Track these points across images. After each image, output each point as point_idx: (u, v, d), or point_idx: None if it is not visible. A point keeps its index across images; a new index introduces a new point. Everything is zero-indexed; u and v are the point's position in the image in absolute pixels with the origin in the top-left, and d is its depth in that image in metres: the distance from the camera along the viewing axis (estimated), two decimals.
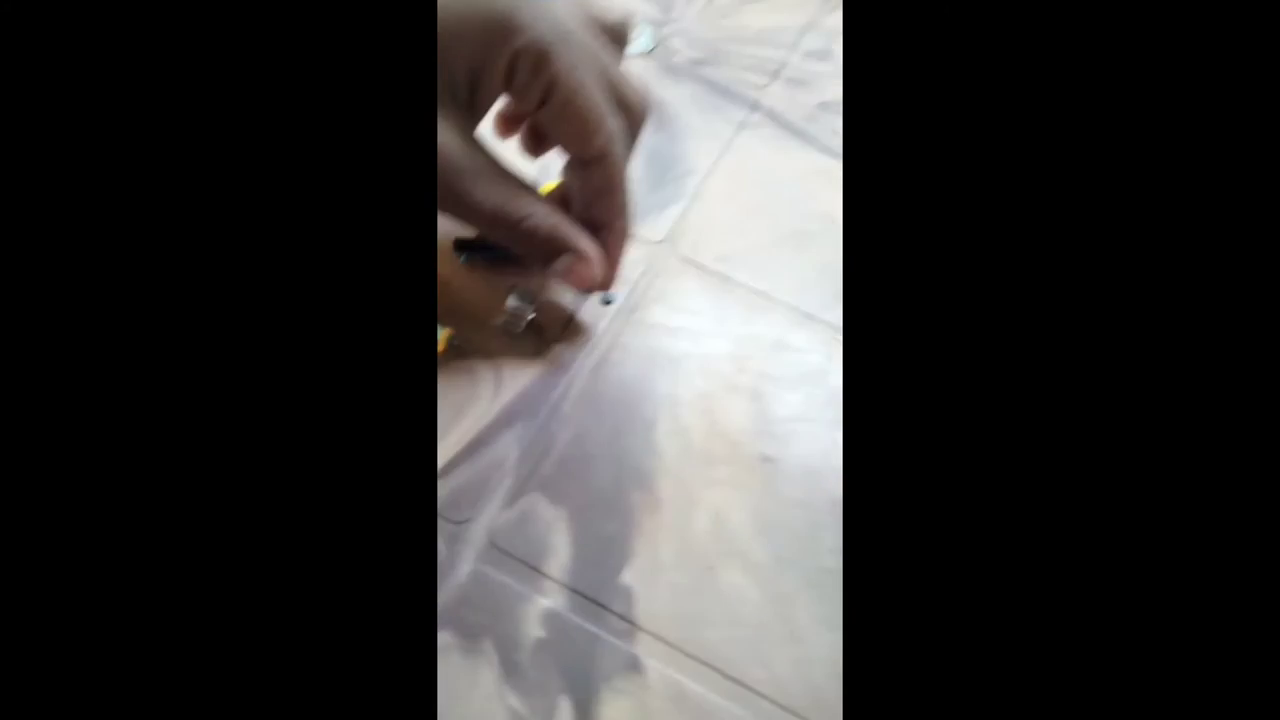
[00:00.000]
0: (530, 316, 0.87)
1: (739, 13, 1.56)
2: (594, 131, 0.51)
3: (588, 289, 0.82)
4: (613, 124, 0.53)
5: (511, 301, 0.89)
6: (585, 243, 0.68)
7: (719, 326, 0.96)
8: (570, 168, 0.72)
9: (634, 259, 1.03)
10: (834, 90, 1.45)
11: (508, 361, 0.88)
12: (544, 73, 0.47)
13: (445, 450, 0.78)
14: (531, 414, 0.82)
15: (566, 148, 0.57)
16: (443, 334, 0.87)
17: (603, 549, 0.73)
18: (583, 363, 0.88)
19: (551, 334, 0.90)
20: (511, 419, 0.82)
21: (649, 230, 1.08)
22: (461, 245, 0.95)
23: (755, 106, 1.35)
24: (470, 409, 0.83)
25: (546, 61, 0.47)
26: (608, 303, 0.95)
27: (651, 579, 0.71)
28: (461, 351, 0.86)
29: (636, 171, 1.13)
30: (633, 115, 0.56)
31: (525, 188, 0.58)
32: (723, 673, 0.66)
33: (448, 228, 0.92)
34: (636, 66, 1.37)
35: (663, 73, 1.39)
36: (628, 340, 0.94)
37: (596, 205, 0.72)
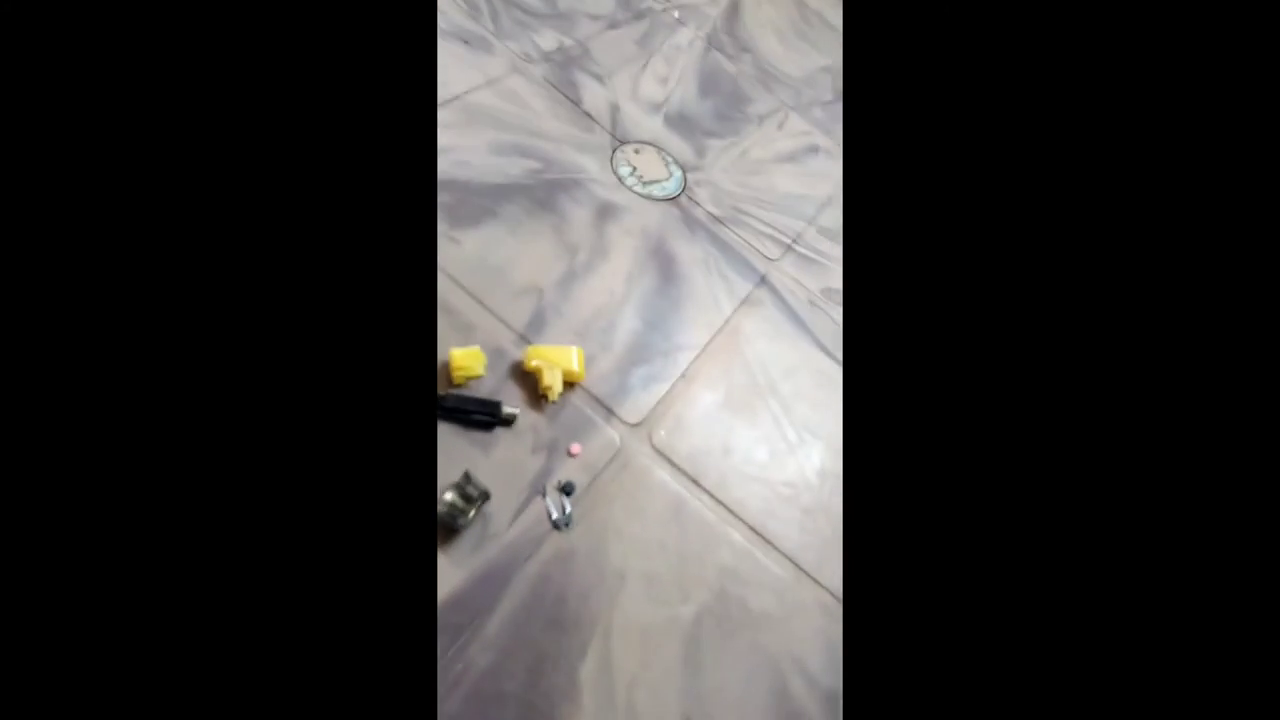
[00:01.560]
0: (471, 514, 0.81)
1: (769, 172, 1.55)
2: None
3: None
4: None
5: (449, 496, 0.82)
6: None
7: (675, 543, 0.91)
8: None
9: (605, 442, 0.98)
10: (839, 277, 1.44)
11: (443, 558, 0.80)
12: None
13: None
14: (455, 629, 0.75)
15: None
16: None
17: None
18: (523, 570, 0.82)
19: (496, 528, 0.84)
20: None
21: (628, 410, 1.04)
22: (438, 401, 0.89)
23: (762, 281, 1.33)
24: None
25: None
26: (567, 492, 0.90)
27: None
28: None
29: (628, 338, 1.09)
30: None
31: None
32: None
33: None
34: (659, 211, 1.35)
35: (682, 223, 1.36)
36: (575, 545, 0.87)
37: None
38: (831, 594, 0.92)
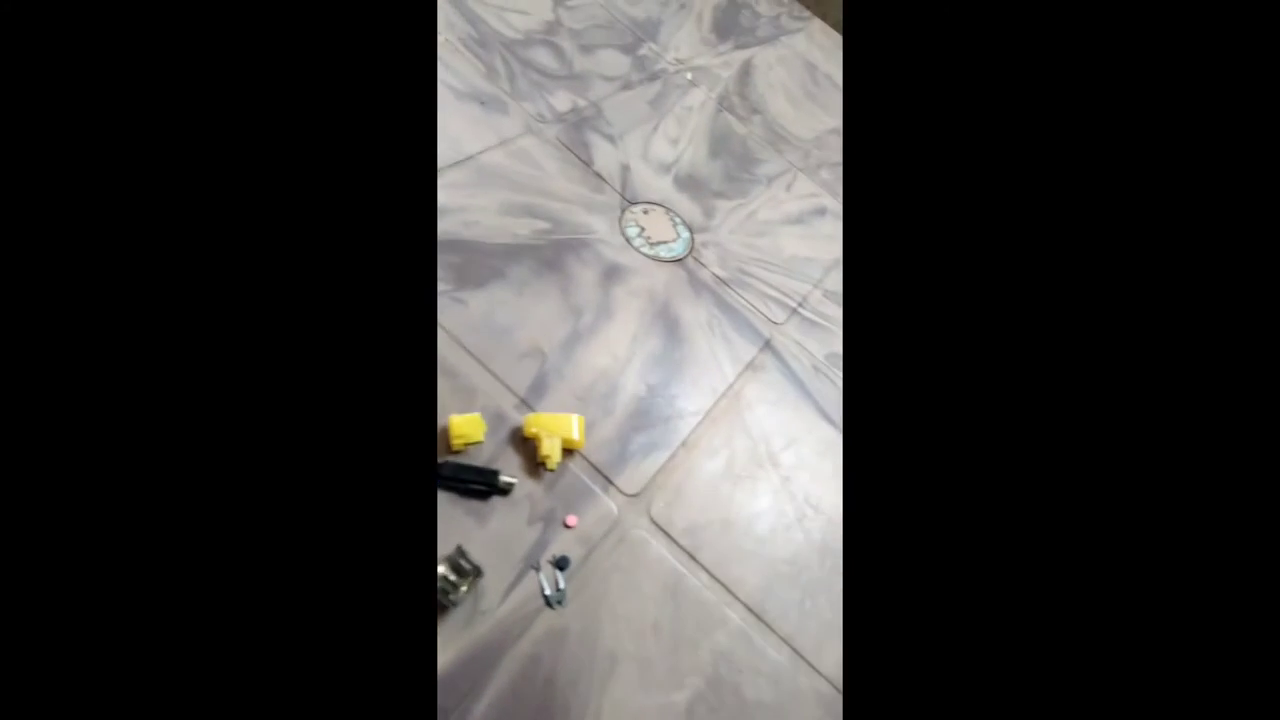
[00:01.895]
0: (463, 590, 0.79)
1: (776, 233, 1.56)
2: None
3: None
4: None
5: (441, 569, 0.79)
6: None
7: (670, 623, 0.89)
8: None
9: (603, 513, 0.97)
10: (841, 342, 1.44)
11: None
12: None
13: None
14: (441, 713, 0.73)
15: None
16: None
17: None
18: (514, 650, 0.80)
19: (488, 604, 0.82)
20: None
21: (626, 479, 1.03)
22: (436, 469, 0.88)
23: (766, 346, 1.33)
24: None
25: None
26: (561, 567, 0.88)
27: None
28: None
29: (630, 403, 1.08)
30: None
31: None
32: None
33: None
34: (666, 273, 1.35)
35: (688, 285, 1.36)
36: (568, 624, 0.84)
37: None
38: (830, 683, 0.89)
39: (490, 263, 1.16)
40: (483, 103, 1.42)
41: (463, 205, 1.22)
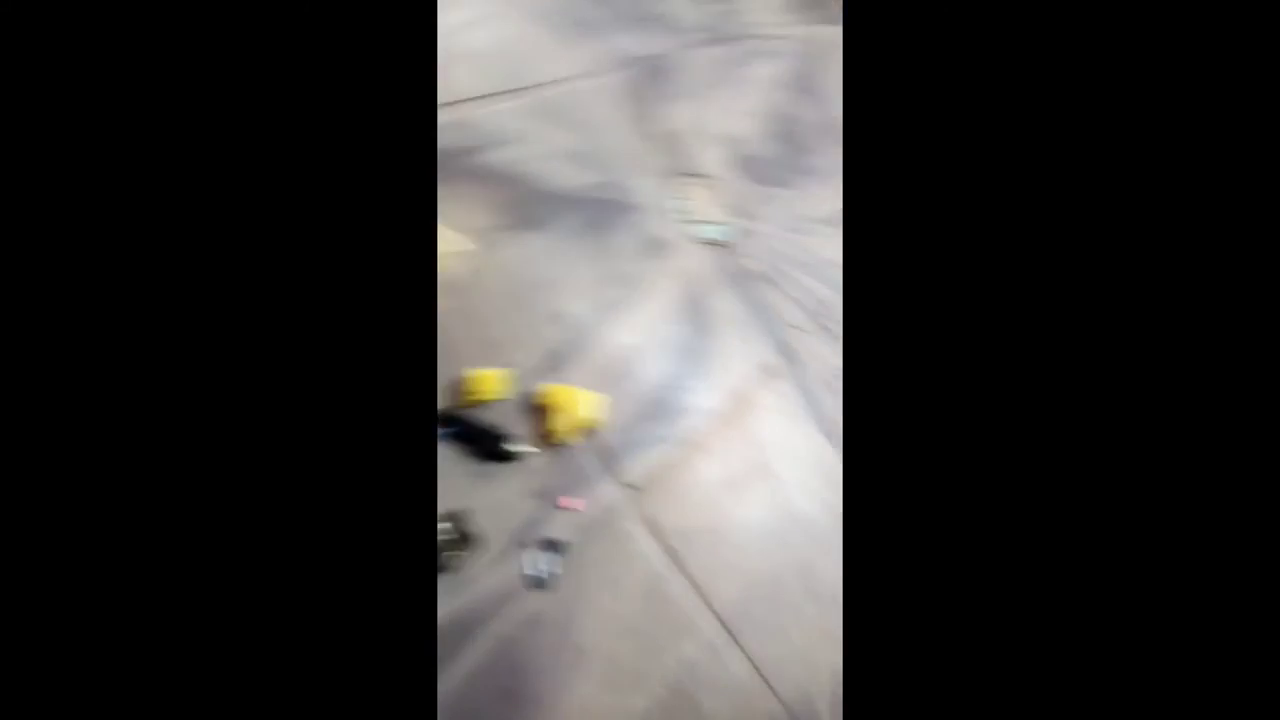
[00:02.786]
0: (461, 555, 0.77)
1: (815, 232, 1.50)
2: None
3: None
4: None
5: (445, 525, 0.78)
6: None
7: (643, 624, 0.87)
8: None
9: (598, 500, 0.93)
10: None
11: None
12: None
13: None
14: None
15: None
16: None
17: None
18: (489, 628, 0.78)
19: (474, 574, 0.79)
20: None
21: (627, 468, 0.99)
22: (445, 419, 0.85)
23: (785, 352, 1.29)
24: None
25: None
26: (554, 550, 0.86)
27: None
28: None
29: (646, 389, 1.05)
30: None
31: None
32: None
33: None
34: (703, 256, 1.28)
35: (722, 274, 1.30)
36: (544, 610, 0.82)
37: None
38: (787, 709, 0.91)
39: (534, 209, 1.09)
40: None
41: (520, 136, 1.13)
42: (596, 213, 1.16)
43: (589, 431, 0.96)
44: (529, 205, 1.09)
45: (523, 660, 0.78)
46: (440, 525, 0.77)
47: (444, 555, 0.75)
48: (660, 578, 0.92)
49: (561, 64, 1.28)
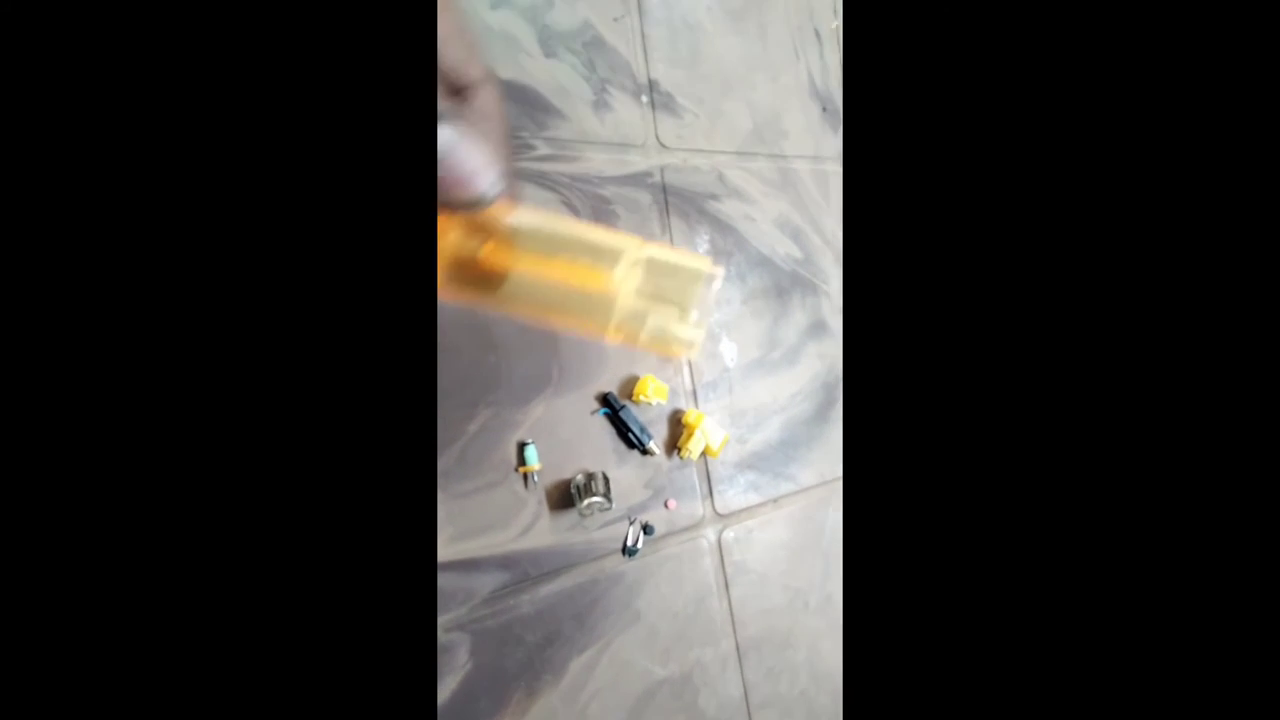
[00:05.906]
0: (591, 502, 1.00)
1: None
2: None
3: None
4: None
5: (599, 473, 1.01)
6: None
7: (685, 618, 1.08)
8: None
9: (691, 513, 1.13)
10: None
11: (550, 520, 1.00)
12: None
13: (445, 550, 0.91)
14: (521, 575, 0.96)
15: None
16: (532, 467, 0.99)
17: None
18: (583, 568, 1.01)
19: (590, 524, 1.03)
20: (508, 565, 0.95)
21: (720, 500, 1.18)
22: (601, 400, 1.07)
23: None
24: (492, 532, 0.95)
25: None
26: (647, 531, 1.08)
27: None
28: (534, 484, 0.99)
29: (761, 444, 1.24)
30: None
31: None
32: None
33: None
34: None
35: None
36: (624, 573, 1.03)
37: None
38: None
39: (743, 264, 1.28)
40: (825, 109, 1.48)
41: (753, 199, 1.32)
42: (788, 284, 1.34)
43: (706, 456, 1.17)
44: (740, 259, 1.29)
45: (596, 600, 1.01)
46: (591, 482, 0.99)
47: (589, 503, 0.98)
48: (709, 590, 1.13)
49: (812, 143, 1.45)
